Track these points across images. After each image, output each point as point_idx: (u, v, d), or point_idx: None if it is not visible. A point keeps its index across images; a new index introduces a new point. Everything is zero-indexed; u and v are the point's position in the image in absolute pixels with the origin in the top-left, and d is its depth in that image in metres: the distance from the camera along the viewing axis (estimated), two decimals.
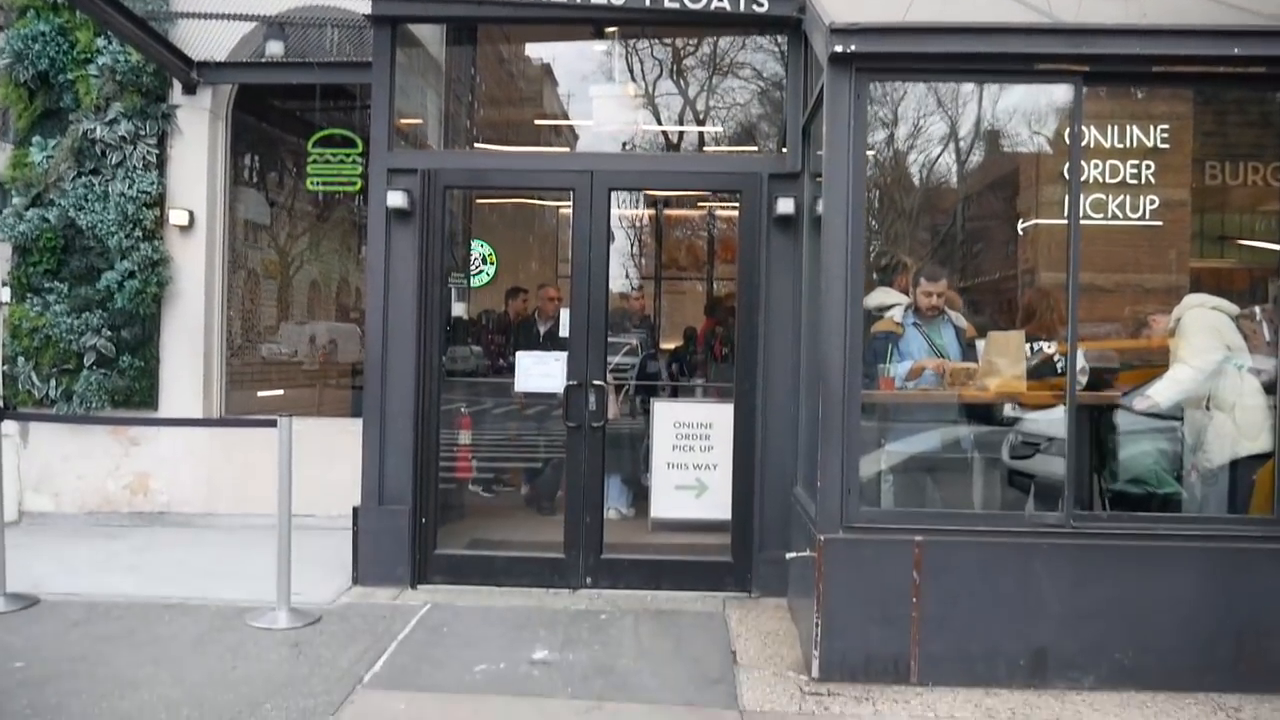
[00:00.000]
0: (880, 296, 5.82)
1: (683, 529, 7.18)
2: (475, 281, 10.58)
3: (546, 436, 6.60)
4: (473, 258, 10.61)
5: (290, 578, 5.12)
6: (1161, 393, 4.65)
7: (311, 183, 7.68)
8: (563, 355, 5.71)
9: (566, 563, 5.70)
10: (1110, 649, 4.33)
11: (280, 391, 9.63)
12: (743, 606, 5.50)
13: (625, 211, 10.46)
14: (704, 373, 8.20)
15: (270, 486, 7.11)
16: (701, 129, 7.72)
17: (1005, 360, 4.72)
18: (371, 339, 5.71)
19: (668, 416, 7.22)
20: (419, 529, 5.69)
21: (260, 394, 9.14)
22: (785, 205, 5.52)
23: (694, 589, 5.70)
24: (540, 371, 5.71)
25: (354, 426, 5.98)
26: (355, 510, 5.73)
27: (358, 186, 7.34)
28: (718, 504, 7.16)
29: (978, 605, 4.35)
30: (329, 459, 6.84)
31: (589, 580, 5.68)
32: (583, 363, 5.64)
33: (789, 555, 4.84)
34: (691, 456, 7.24)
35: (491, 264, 10.73)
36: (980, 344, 5.08)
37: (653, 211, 11.05)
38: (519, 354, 5.79)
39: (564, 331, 5.75)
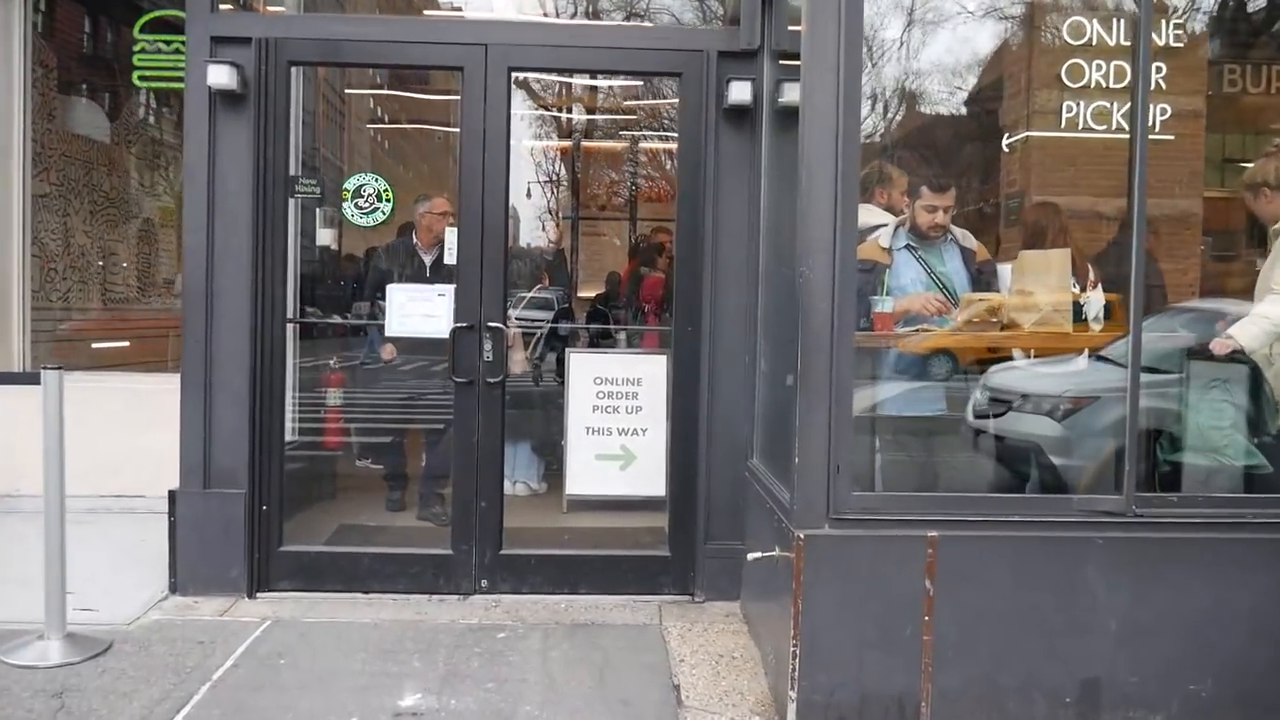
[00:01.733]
0: (860, 215, 4.57)
1: (607, 508, 5.93)
2: (368, 220, 9.08)
3: (428, 397, 5.24)
4: (364, 193, 9.05)
5: (64, 594, 3.69)
6: (1248, 333, 3.50)
7: (139, 78, 6.12)
8: (448, 289, 4.34)
9: (454, 560, 4.38)
10: (1183, 678, 3.22)
11: (125, 343, 8.06)
12: (685, 616, 4.26)
13: (527, 111, 9.03)
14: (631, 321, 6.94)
15: (98, 459, 5.68)
16: None
17: (1045, 288, 3.52)
18: (191, 267, 4.26)
19: (586, 371, 5.93)
20: (259, 519, 4.31)
21: (96, 345, 7.59)
22: (740, 92, 4.21)
23: (622, 592, 4.44)
24: (420, 311, 4.33)
25: None
26: (172, 495, 4.32)
27: None
28: (648, 477, 5.89)
29: (1009, 622, 3.19)
30: (172, 423, 5.38)
31: (484, 583, 4.38)
32: (474, 298, 4.29)
33: (751, 557, 3.62)
34: (616, 420, 5.94)
35: (387, 200, 9.22)
36: (1003, 270, 3.87)
37: (566, 116, 9.66)
38: (390, 288, 4.39)
39: (450, 258, 4.39)
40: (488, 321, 4.29)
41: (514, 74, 4.32)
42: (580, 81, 9.00)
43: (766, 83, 4.28)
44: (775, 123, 4.33)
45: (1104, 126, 6.06)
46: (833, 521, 3.22)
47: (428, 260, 4.97)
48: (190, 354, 4.27)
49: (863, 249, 4.09)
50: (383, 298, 4.45)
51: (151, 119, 8.12)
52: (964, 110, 7.81)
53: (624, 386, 6.02)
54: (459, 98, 4.30)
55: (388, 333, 4.36)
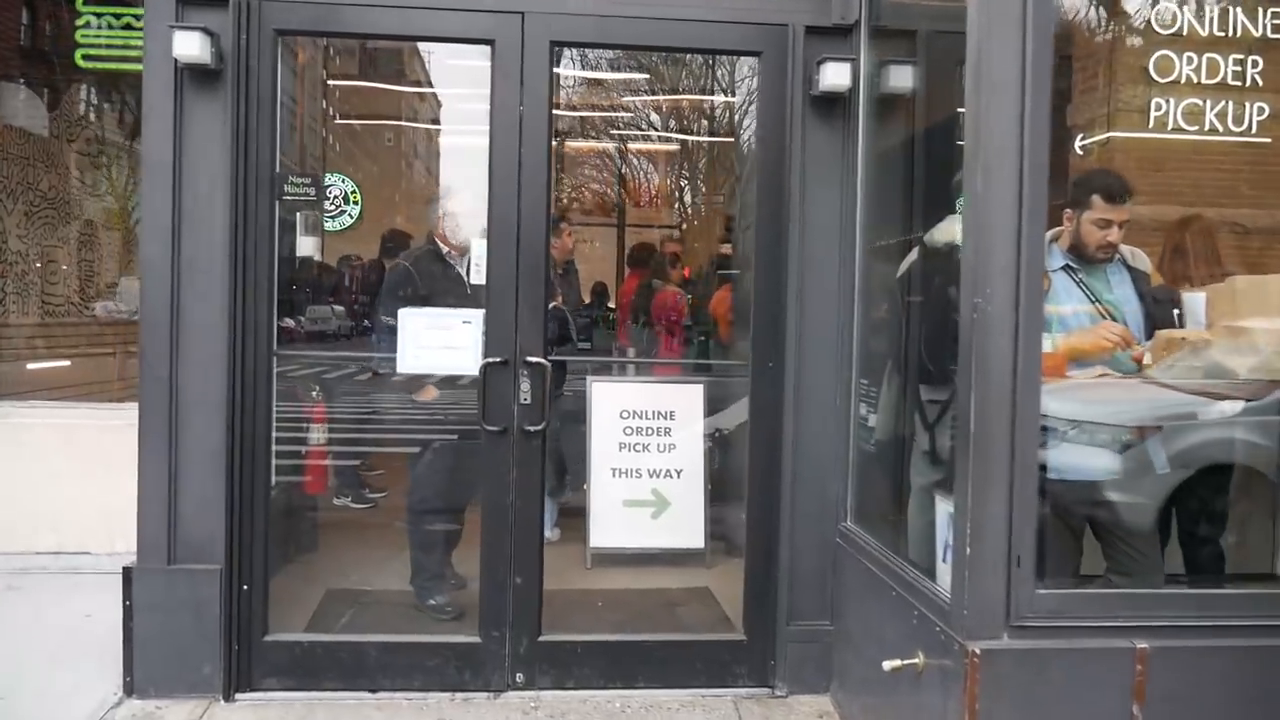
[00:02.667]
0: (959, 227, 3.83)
1: (637, 562, 5.14)
2: (334, 225, 8.12)
3: (446, 446, 4.38)
4: (330, 194, 8.12)
5: None
6: None
7: (83, 57, 5.21)
8: (475, 315, 3.51)
9: (483, 650, 3.54)
10: None
11: (65, 363, 7.09)
12: (769, 717, 3.48)
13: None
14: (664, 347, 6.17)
15: (32, 508, 4.78)
16: None
17: (1266, 323, 2.81)
18: (151, 286, 3.39)
19: (611, 403, 5.17)
20: (238, 601, 3.45)
21: (32, 366, 6.63)
22: (835, 75, 3.44)
23: (687, 685, 3.63)
24: (440, 341, 3.49)
25: None
26: (127, 573, 3.44)
27: None
28: (685, 526, 5.15)
29: None
30: (124, 465, 4.46)
31: (520, 677, 3.55)
32: (508, 326, 3.47)
33: (888, 666, 2.83)
34: (646, 460, 5.18)
35: (355, 203, 8.27)
36: (1193, 299, 3.14)
37: (605, 99, 8.85)
38: (403, 312, 3.54)
39: (477, 276, 3.55)
40: (526, 356, 3.47)
41: (556, 49, 3.51)
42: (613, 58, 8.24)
43: (865, 65, 3.52)
44: (875, 114, 3.58)
45: (1195, 127, 5.40)
46: (1013, 630, 2.47)
47: (444, 271, 4.09)
48: (150, 396, 3.39)
49: None
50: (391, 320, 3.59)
51: (93, 111, 7.17)
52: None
53: (655, 421, 5.25)
54: (490, 78, 3.48)
55: (400, 367, 3.50)
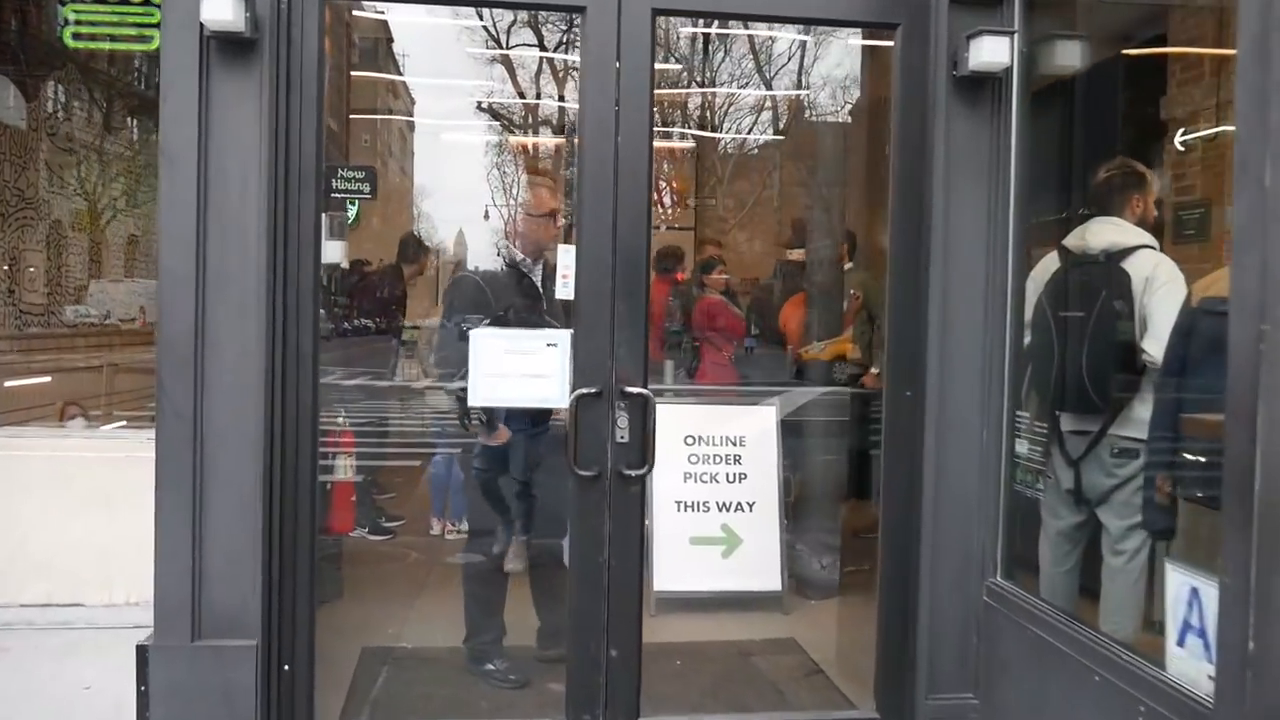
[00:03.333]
0: (1108, 233, 3.32)
1: (705, 607, 4.57)
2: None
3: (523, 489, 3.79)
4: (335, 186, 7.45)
5: None
6: None
7: (71, 35, 4.56)
8: (562, 336, 2.94)
9: None
10: None
11: (46, 379, 6.44)
12: None
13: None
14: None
15: (16, 553, 4.13)
16: None
17: None
18: (171, 304, 2.79)
19: (674, 427, 4.61)
20: (278, 685, 2.85)
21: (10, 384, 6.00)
22: (992, 52, 2.89)
23: None
24: (520, 368, 2.91)
25: None
26: (142, 652, 2.84)
27: (154, 43, 4.27)
28: (758, 565, 4.61)
29: None
30: (125, 502, 3.82)
31: None
32: (603, 351, 2.90)
33: None
34: (714, 492, 4.64)
35: (352, 203, 7.61)
36: None
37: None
38: (474, 335, 2.95)
39: (563, 289, 2.98)
40: (624, 385, 2.90)
41: (659, 17, 2.95)
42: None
43: (1020, 39, 2.98)
44: (1033, 98, 3.05)
45: None
46: None
47: (520, 283, 3.48)
48: (170, 435, 2.79)
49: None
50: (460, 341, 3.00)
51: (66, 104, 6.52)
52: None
53: (723, 448, 4.70)
54: (579, 50, 2.91)
55: (473, 399, 2.92)
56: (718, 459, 4.68)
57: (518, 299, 3.38)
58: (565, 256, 2.94)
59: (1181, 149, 5.05)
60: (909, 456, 3.08)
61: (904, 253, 3.07)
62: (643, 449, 2.93)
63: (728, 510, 4.63)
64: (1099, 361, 3.25)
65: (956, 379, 3.06)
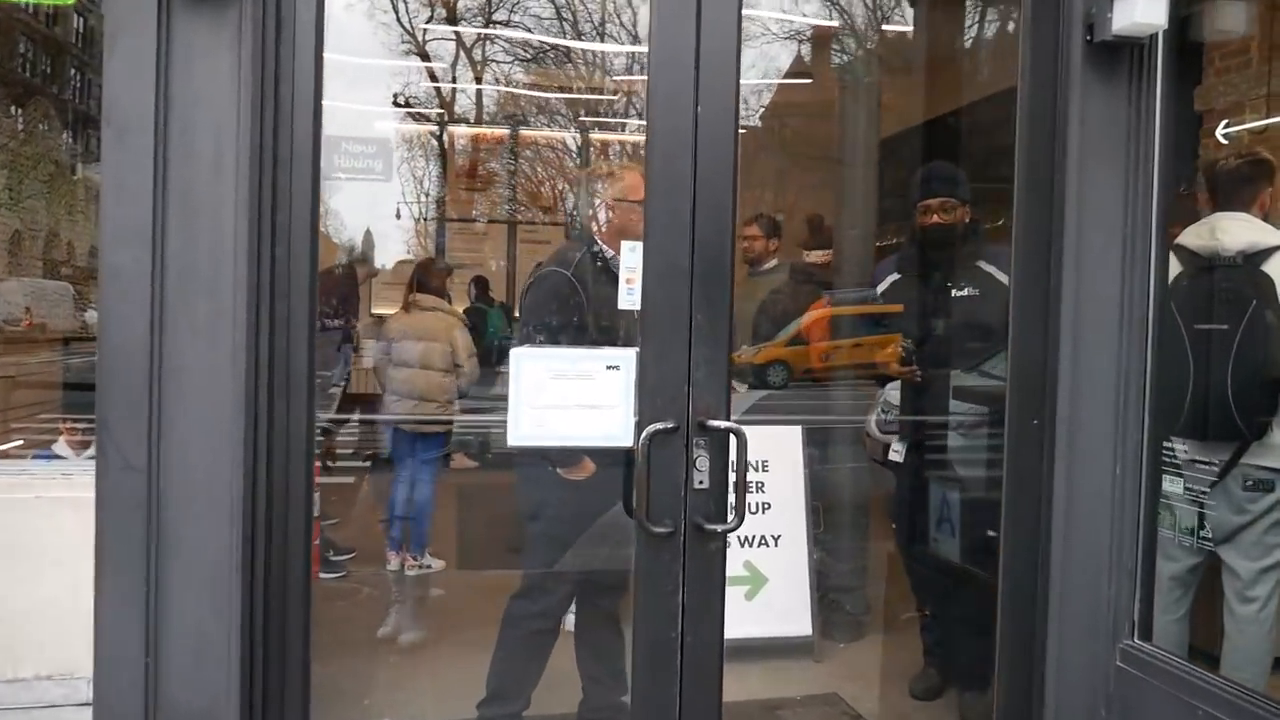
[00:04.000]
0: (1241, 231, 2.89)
1: (730, 657, 4.00)
2: None
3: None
4: None
5: None
6: None
7: None
8: (625, 356, 2.34)
9: None
10: None
11: None
12: None
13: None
14: None
15: None
16: None
17: None
18: (117, 311, 2.11)
19: None
20: None
21: None
22: (1145, 12, 2.38)
23: None
24: (575, 397, 2.30)
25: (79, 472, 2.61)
26: None
27: None
28: (786, 607, 4.08)
29: None
30: (31, 549, 3.05)
31: None
32: (678, 375, 2.31)
33: None
34: None
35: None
36: None
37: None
38: (516, 354, 2.33)
39: (628, 297, 2.38)
40: (704, 418, 2.31)
41: None
42: None
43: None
44: (1177, 71, 2.57)
45: None
46: None
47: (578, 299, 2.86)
48: (114, 494, 2.11)
49: None
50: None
51: None
52: None
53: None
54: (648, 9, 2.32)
55: (513, 438, 2.30)
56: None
57: (605, 305, 2.77)
58: (630, 256, 2.34)
59: (1224, 140, 4.69)
60: (1034, 497, 2.57)
61: (1028, 251, 2.56)
62: (723, 497, 2.35)
63: (751, 545, 4.10)
64: (1247, 380, 2.80)
65: (1086, 403, 2.56)
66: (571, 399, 2.31)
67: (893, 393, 4.10)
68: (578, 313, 2.83)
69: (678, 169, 2.31)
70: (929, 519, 3.73)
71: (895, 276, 3.93)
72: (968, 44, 6.77)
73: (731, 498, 2.35)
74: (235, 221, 2.13)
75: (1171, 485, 3.01)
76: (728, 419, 2.34)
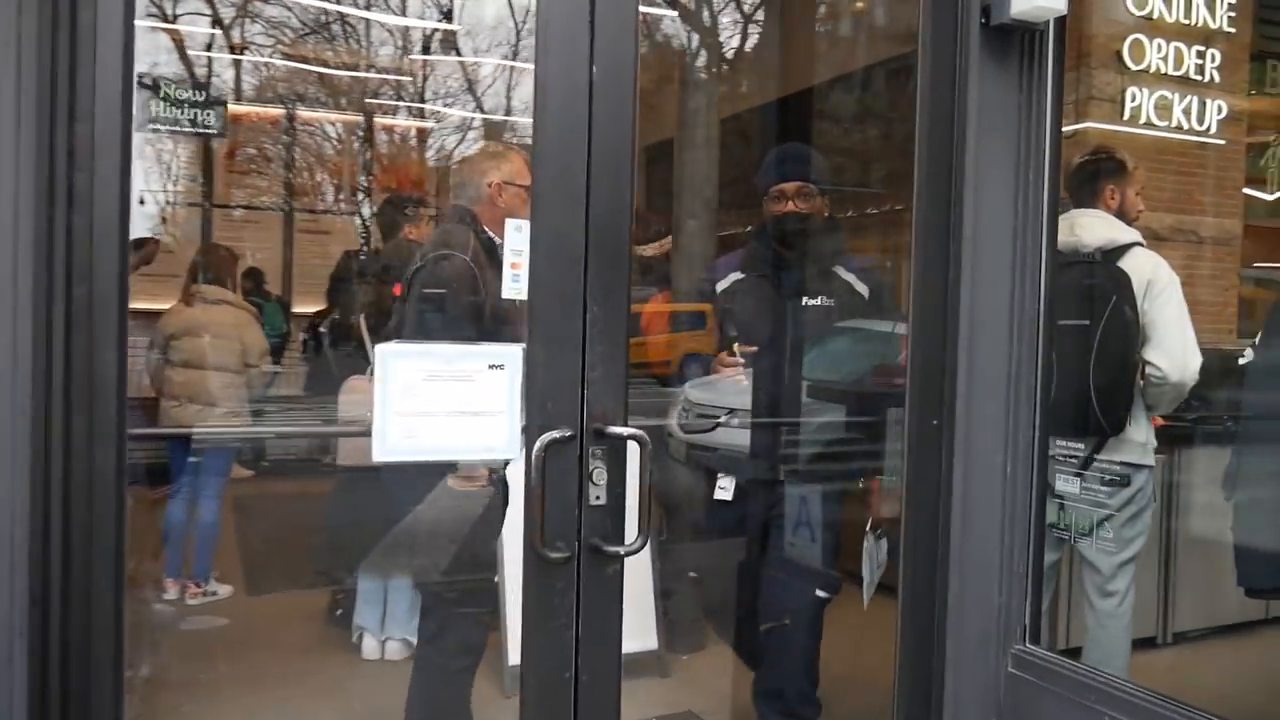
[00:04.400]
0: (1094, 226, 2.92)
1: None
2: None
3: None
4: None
5: None
6: None
7: None
8: (509, 353, 2.01)
9: None
10: None
11: None
12: None
13: None
14: None
15: None
16: None
17: None
18: None
19: None
20: None
21: None
22: None
23: None
24: (449, 402, 1.95)
25: None
26: None
27: None
28: (630, 622, 3.82)
29: None
30: None
31: None
32: (570, 373, 2.01)
33: None
34: None
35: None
36: None
37: None
38: (383, 351, 1.95)
39: (514, 284, 2.05)
40: (601, 425, 2.02)
41: None
42: None
43: None
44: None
45: (1165, 123, 4.90)
46: None
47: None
48: None
49: None
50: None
51: None
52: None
53: None
54: None
55: (378, 453, 1.91)
56: None
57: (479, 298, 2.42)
58: (516, 237, 2.02)
59: None
60: (934, 499, 2.45)
61: (928, 249, 2.44)
62: (621, 514, 2.08)
63: None
64: (1107, 376, 2.81)
65: (980, 402, 2.47)
66: (447, 404, 1.95)
67: (694, 391, 3.91)
68: (475, 305, 2.49)
69: (570, 134, 2.01)
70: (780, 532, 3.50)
71: (738, 275, 3.43)
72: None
73: (632, 515, 2.07)
74: (16, 182, 1.64)
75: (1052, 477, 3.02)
76: (624, 423, 2.06)
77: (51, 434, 1.68)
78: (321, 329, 5.24)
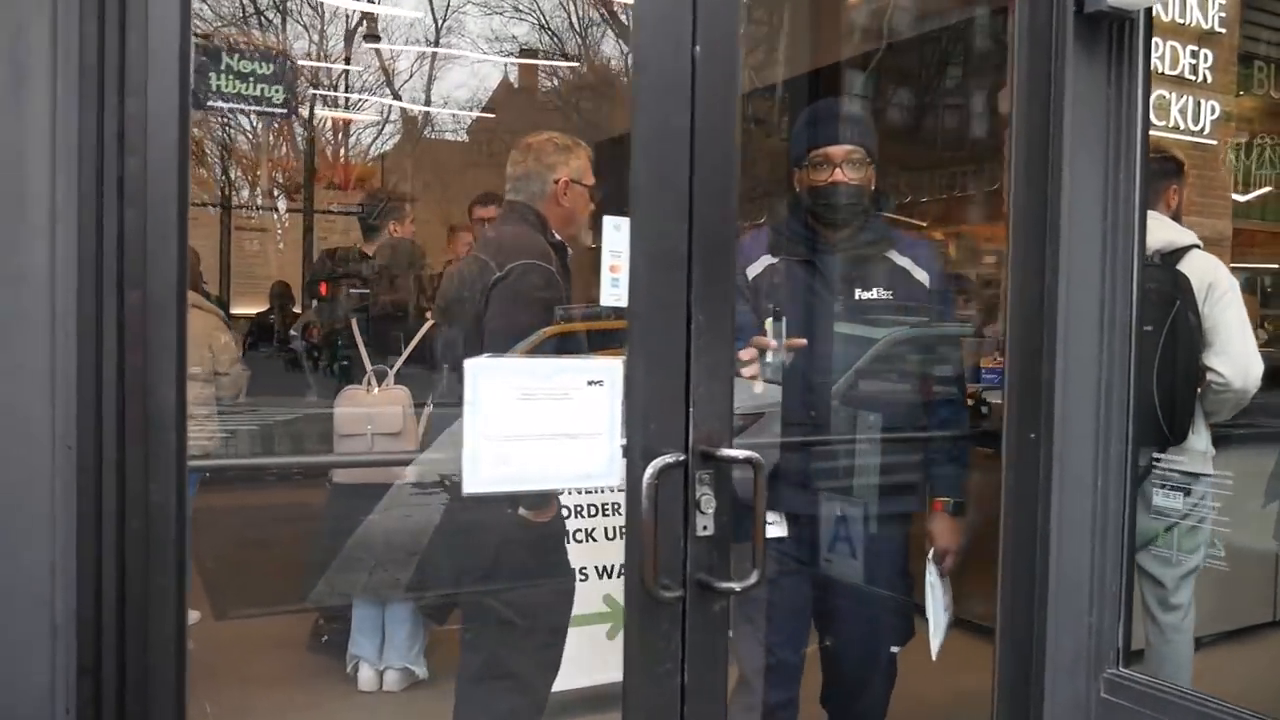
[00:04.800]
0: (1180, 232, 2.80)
1: (589, 708, 3.46)
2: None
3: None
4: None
5: None
6: None
7: None
8: (609, 370, 1.78)
9: None
10: None
11: None
12: None
13: None
14: None
15: None
16: None
17: None
18: None
19: None
20: None
21: None
22: None
23: None
24: (543, 423, 1.71)
25: None
26: None
27: None
28: None
29: None
30: None
31: None
32: (677, 395, 1.79)
33: None
34: (592, 553, 3.60)
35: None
36: None
37: None
38: (473, 366, 1.69)
39: (612, 290, 1.82)
40: (709, 447, 1.80)
41: None
42: None
43: None
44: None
45: (1163, 122, 4.88)
46: None
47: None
48: None
49: None
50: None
51: None
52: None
53: (596, 495, 3.67)
54: None
55: (470, 484, 1.66)
56: (592, 510, 3.64)
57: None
58: (615, 237, 1.79)
59: None
60: (1031, 517, 2.30)
61: (1025, 248, 2.28)
62: (726, 546, 1.86)
63: (610, 575, 3.62)
64: (1174, 384, 2.70)
65: (1074, 414, 2.33)
66: (543, 426, 1.72)
67: None
68: (551, 314, 2.25)
69: (671, 121, 1.79)
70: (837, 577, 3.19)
71: (769, 259, 2.81)
72: None
73: (742, 547, 1.86)
74: (53, 171, 1.37)
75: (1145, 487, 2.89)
76: (728, 445, 1.85)
77: (104, 472, 1.40)
78: (294, 334, 4.89)
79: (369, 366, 3.33)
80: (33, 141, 1.37)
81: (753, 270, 2.83)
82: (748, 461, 1.81)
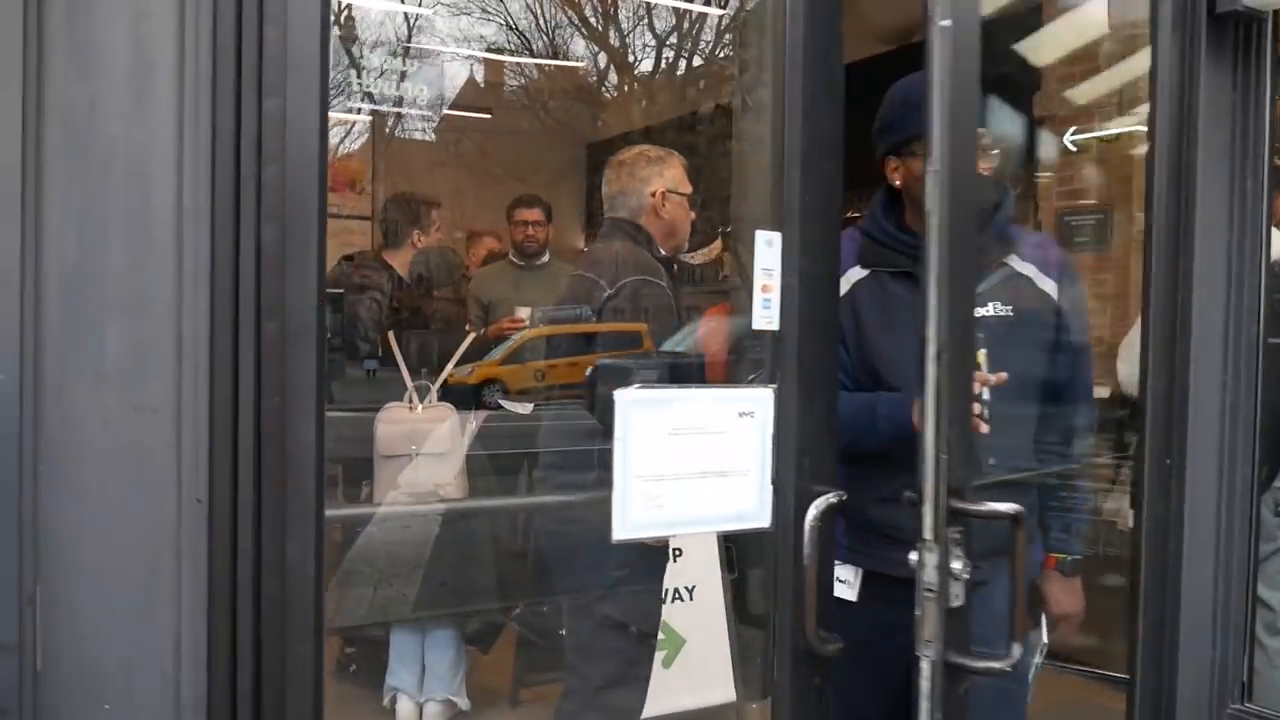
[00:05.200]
0: None
1: None
2: None
3: None
4: None
5: None
6: None
7: None
8: (761, 397, 1.60)
9: None
10: None
11: None
12: None
13: None
14: None
15: None
16: None
17: None
18: None
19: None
20: None
21: None
22: None
23: None
24: (694, 460, 1.54)
25: None
26: None
27: None
28: (708, 671, 3.51)
29: None
30: None
31: None
32: (829, 426, 1.63)
33: None
34: None
35: None
36: None
37: None
38: (624, 398, 1.52)
39: (764, 313, 1.64)
40: (961, 502, 1.63)
41: None
42: None
43: None
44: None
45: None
46: None
47: None
48: None
49: None
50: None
51: None
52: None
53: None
54: None
55: (620, 530, 1.49)
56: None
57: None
58: (767, 254, 1.61)
59: (1074, 149, 4.70)
60: (1167, 543, 2.17)
61: (1162, 263, 2.15)
62: (963, 621, 1.66)
63: (664, 600, 3.44)
64: None
65: (1200, 433, 2.21)
66: (694, 464, 1.55)
67: None
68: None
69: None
70: None
71: (860, 272, 2.35)
72: None
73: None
74: (179, 185, 1.18)
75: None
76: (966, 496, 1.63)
77: (239, 529, 1.21)
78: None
79: (409, 383, 3.13)
80: (158, 142, 1.18)
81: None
82: (991, 513, 1.62)
